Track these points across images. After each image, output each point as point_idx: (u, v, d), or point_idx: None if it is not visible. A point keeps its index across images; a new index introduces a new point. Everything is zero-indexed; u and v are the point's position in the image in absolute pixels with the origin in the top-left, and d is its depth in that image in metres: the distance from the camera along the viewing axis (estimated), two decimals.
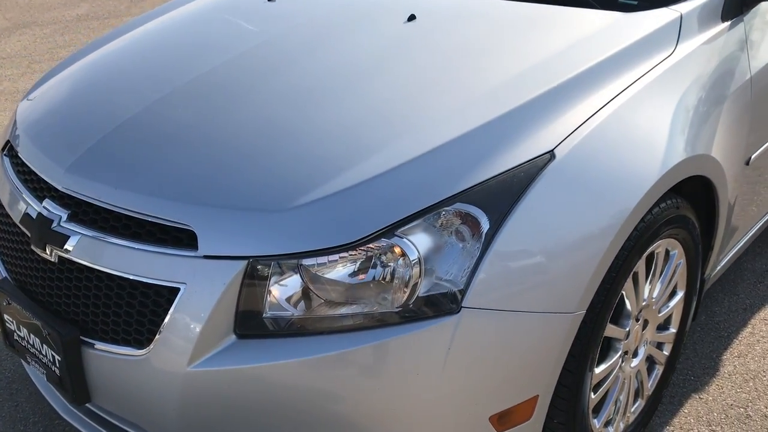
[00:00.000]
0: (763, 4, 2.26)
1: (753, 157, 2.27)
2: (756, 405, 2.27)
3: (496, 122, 1.69)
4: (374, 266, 1.53)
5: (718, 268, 2.40)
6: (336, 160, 1.65)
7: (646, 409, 2.14)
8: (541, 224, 1.58)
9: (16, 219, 1.86)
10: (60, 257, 1.72)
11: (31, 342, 1.82)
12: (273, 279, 1.55)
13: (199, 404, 1.58)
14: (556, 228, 1.60)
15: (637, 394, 2.10)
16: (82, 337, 1.68)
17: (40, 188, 1.84)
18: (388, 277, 1.53)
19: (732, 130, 2.10)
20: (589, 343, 1.70)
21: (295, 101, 1.86)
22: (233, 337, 1.56)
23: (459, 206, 1.56)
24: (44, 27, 6.72)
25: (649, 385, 2.13)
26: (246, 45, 2.18)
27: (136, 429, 1.75)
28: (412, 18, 2.17)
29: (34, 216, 1.77)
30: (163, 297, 1.58)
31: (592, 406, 1.86)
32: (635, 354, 2.01)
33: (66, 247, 1.69)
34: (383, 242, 1.53)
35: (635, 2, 2.13)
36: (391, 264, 1.53)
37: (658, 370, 2.16)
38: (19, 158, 1.97)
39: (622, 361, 1.95)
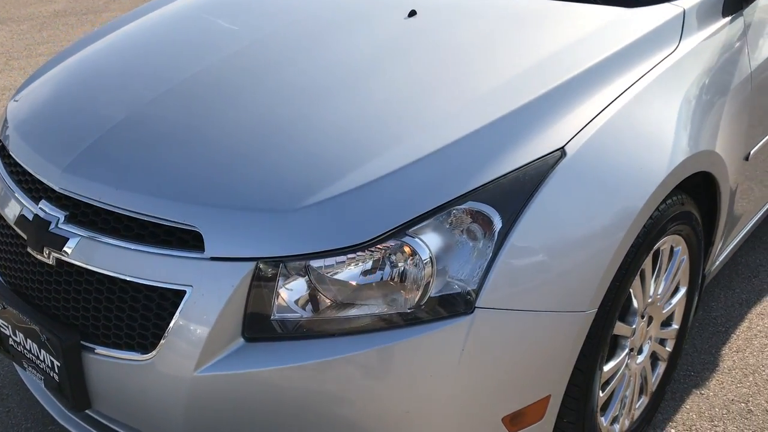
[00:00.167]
0: None
1: (752, 152, 2.27)
2: (757, 400, 2.27)
3: (505, 119, 1.67)
4: (384, 267, 1.50)
5: (717, 263, 2.40)
6: (344, 159, 1.61)
7: (650, 405, 2.14)
8: (554, 222, 1.56)
9: (11, 221, 1.81)
10: (58, 260, 1.67)
11: (27, 347, 1.77)
12: (281, 281, 1.51)
13: (206, 409, 1.54)
14: (569, 226, 1.58)
15: (642, 390, 2.09)
16: (82, 342, 1.64)
17: (35, 189, 1.79)
18: (399, 277, 1.50)
19: (733, 125, 2.10)
20: (600, 341, 1.69)
21: (295, 101, 1.82)
22: (241, 340, 1.52)
23: (471, 205, 1.53)
24: (21, 23, 6.59)
25: (653, 382, 2.13)
26: (241, 42, 2.12)
27: None
28: (413, 14, 2.13)
29: (31, 218, 1.72)
30: (168, 300, 1.54)
31: (600, 404, 1.85)
32: (640, 351, 2.00)
33: (65, 249, 1.64)
34: (393, 242, 1.49)
35: None
36: (401, 264, 1.50)
37: (661, 366, 2.16)
38: (12, 158, 1.92)
39: (629, 358, 1.94)
